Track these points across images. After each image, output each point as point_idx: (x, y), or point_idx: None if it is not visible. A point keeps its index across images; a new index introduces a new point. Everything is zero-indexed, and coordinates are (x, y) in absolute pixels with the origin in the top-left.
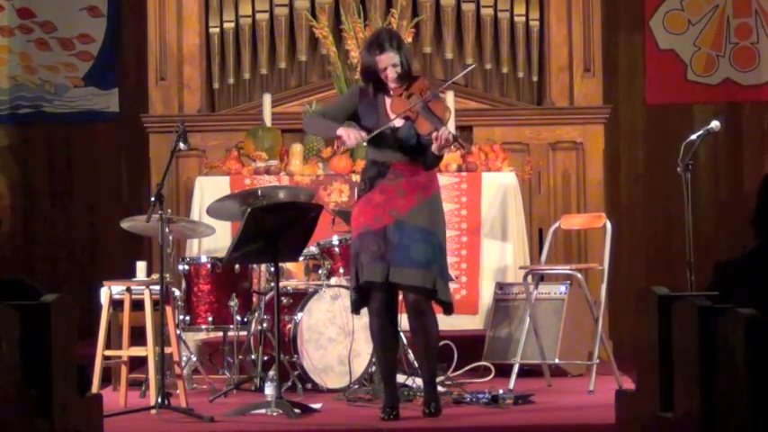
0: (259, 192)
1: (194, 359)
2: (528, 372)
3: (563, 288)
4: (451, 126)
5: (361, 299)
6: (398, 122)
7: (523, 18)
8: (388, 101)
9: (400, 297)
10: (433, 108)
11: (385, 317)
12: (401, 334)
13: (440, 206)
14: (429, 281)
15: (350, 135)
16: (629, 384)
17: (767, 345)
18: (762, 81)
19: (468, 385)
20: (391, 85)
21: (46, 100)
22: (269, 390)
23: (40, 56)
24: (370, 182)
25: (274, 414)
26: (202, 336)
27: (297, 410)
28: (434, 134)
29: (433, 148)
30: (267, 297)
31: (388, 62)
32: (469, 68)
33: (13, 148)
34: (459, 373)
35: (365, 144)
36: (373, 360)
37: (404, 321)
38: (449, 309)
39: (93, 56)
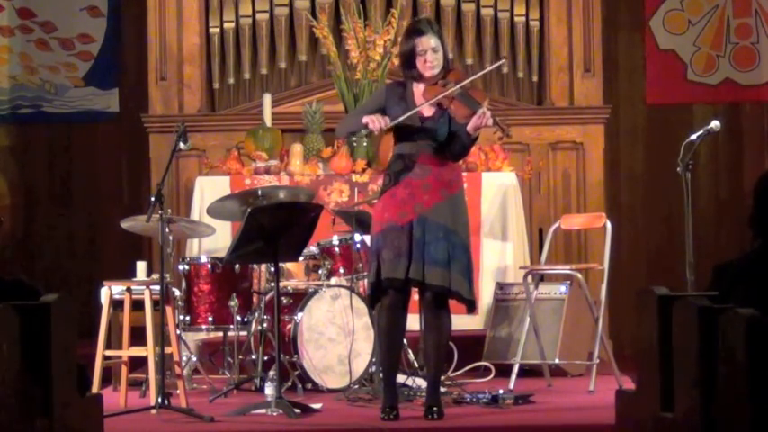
0: (259, 192)
1: (194, 359)
2: (528, 372)
3: (563, 288)
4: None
5: (378, 294)
6: (427, 111)
7: (523, 18)
8: (416, 90)
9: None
10: (471, 93)
11: (396, 314)
12: None
13: (464, 204)
14: (447, 280)
15: (373, 120)
16: (629, 384)
17: (767, 345)
18: (762, 81)
19: (468, 385)
20: (428, 73)
21: (46, 100)
22: (269, 390)
23: (40, 56)
24: (396, 176)
25: (274, 414)
26: (202, 336)
27: (297, 410)
28: (474, 117)
29: (469, 127)
30: (267, 297)
31: (428, 45)
32: (500, 63)
33: (13, 148)
34: (459, 373)
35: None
36: (373, 360)
37: (408, 321)
38: (471, 306)
39: (93, 56)
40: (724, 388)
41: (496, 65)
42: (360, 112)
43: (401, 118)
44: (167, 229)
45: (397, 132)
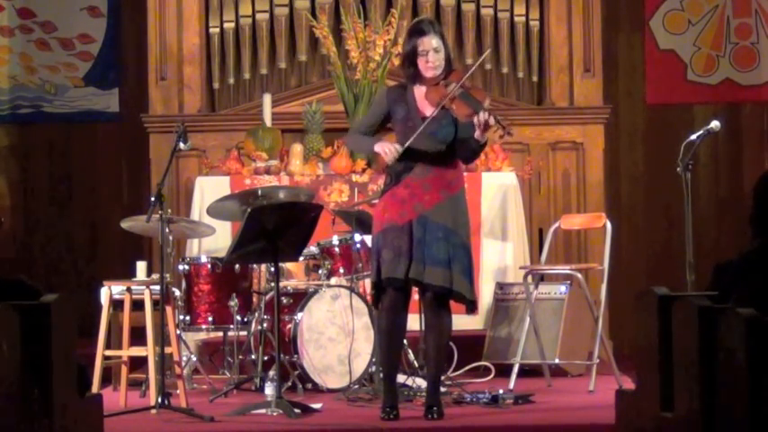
0: (259, 192)
1: (194, 359)
2: (528, 372)
3: (563, 288)
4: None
5: (380, 294)
6: (429, 112)
7: (523, 18)
8: (417, 92)
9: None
10: (471, 92)
11: (396, 315)
12: None
13: (464, 204)
14: (449, 280)
15: (386, 151)
16: (629, 384)
17: (767, 345)
18: (762, 81)
19: (468, 385)
20: (429, 73)
21: (46, 100)
22: (269, 390)
23: (40, 56)
24: (396, 176)
25: (274, 414)
26: (202, 336)
27: (297, 410)
28: (475, 119)
29: (476, 134)
30: (267, 297)
31: (429, 46)
32: (486, 54)
33: (13, 148)
34: (459, 373)
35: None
36: (373, 360)
37: (408, 321)
38: (472, 307)
39: (93, 56)
40: (724, 388)
41: (483, 57)
42: (366, 124)
43: (411, 138)
44: (167, 229)
45: (399, 134)
